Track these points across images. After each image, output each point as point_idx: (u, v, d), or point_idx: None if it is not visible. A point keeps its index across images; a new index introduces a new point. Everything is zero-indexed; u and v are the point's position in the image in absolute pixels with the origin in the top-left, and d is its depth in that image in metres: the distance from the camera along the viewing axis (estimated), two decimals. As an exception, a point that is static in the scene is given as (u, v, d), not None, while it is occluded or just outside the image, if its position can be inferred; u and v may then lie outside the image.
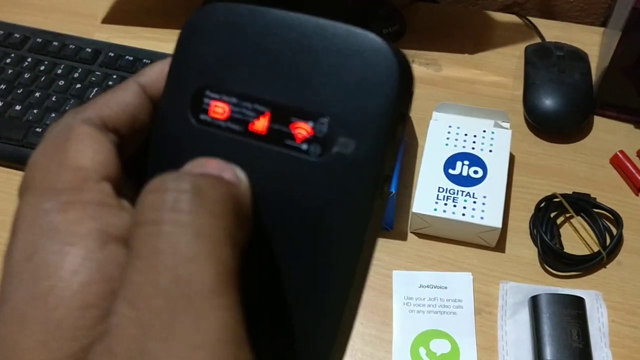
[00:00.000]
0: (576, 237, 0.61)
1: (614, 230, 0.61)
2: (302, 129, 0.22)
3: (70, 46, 0.75)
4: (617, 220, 0.61)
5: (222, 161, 0.21)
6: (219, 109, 0.23)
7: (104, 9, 0.85)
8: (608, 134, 0.70)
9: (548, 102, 0.68)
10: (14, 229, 0.20)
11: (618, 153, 0.66)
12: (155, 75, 0.25)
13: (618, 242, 0.60)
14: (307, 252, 0.22)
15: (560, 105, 0.68)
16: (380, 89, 0.21)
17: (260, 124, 0.22)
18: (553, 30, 0.80)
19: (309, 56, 0.22)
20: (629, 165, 0.65)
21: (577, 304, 0.54)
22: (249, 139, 0.22)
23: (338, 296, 0.21)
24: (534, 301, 0.55)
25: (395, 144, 0.22)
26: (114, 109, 0.23)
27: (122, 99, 0.24)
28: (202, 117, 0.23)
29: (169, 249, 0.17)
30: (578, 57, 0.73)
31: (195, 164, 0.21)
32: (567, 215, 0.63)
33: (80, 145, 0.21)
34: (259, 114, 0.22)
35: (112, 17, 0.84)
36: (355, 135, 0.21)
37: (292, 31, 0.23)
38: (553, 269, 0.59)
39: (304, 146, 0.22)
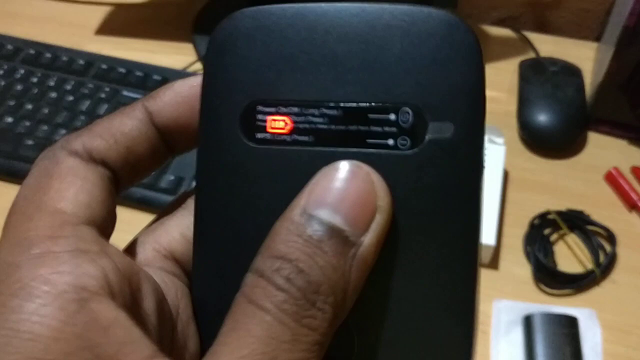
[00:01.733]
0: (570, 255, 0.61)
1: (608, 248, 0.61)
2: (383, 124, 0.20)
3: (63, 58, 0.75)
4: (611, 238, 0.61)
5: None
6: (279, 123, 0.21)
7: (96, 20, 0.85)
8: (602, 149, 0.70)
9: (542, 118, 0.68)
10: None
11: (612, 170, 0.66)
12: (169, 99, 0.22)
13: (612, 259, 0.60)
14: (428, 252, 0.20)
15: (554, 121, 0.68)
16: (465, 64, 0.20)
17: (334, 129, 0.20)
18: (547, 45, 0.80)
19: (368, 45, 0.20)
20: (622, 182, 0.65)
21: (570, 323, 0.54)
22: (324, 148, 0.20)
23: (469, 286, 0.20)
24: (528, 321, 0.55)
25: (484, 119, 0.20)
26: (106, 138, 0.21)
27: (119, 127, 0.22)
28: (260, 135, 0.21)
29: (264, 338, 0.17)
30: (572, 72, 0.73)
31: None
32: (561, 232, 0.62)
33: (63, 183, 0.20)
34: (329, 118, 0.20)
35: (105, 29, 0.84)
36: (451, 116, 0.20)
37: (343, 22, 0.21)
38: (547, 287, 0.59)
39: (390, 141, 0.20)
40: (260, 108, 0.21)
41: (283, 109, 0.21)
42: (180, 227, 0.22)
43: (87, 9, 0.87)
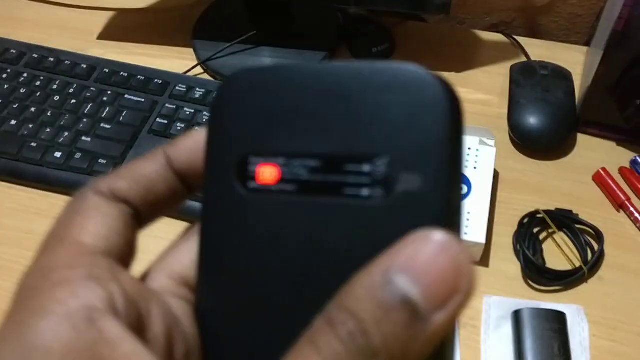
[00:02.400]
0: (559, 253, 0.63)
1: (596, 246, 0.62)
2: (358, 174, 0.21)
3: (66, 62, 0.76)
4: (599, 236, 0.62)
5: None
6: (267, 173, 0.22)
7: (99, 25, 0.86)
8: (591, 151, 0.71)
9: (532, 121, 0.70)
10: (11, 306, 0.20)
11: (600, 170, 0.68)
12: (186, 147, 0.25)
13: (599, 257, 0.61)
14: None
15: (544, 123, 0.70)
16: (434, 118, 0.20)
17: (314, 179, 0.22)
18: (538, 49, 0.82)
19: (349, 101, 0.22)
20: (610, 182, 0.66)
21: (559, 318, 0.55)
22: (306, 198, 0.22)
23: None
24: (517, 316, 0.56)
25: (459, 170, 0.21)
26: (128, 180, 0.24)
27: (140, 171, 0.24)
28: (251, 185, 0.23)
29: None
30: (562, 76, 0.74)
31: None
32: (550, 231, 0.64)
33: (86, 218, 0.22)
34: (310, 169, 0.22)
35: (108, 34, 0.86)
36: (418, 168, 0.20)
37: (326, 81, 0.22)
38: (536, 284, 0.60)
39: (365, 191, 0.21)
40: (252, 158, 0.23)
41: (271, 159, 0.22)
42: (192, 255, 0.24)
43: (90, 14, 0.89)
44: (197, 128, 0.26)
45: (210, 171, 0.24)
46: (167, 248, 0.25)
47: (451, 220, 0.20)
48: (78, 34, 0.85)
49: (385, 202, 0.20)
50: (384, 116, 0.21)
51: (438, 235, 0.19)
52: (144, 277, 0.24)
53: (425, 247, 0.18)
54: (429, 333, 0.18)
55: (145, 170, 0.24)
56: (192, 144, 0.25)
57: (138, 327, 0.20)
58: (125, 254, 0.23)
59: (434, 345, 0.18)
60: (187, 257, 0.24)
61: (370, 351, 0.17)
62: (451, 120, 0.21)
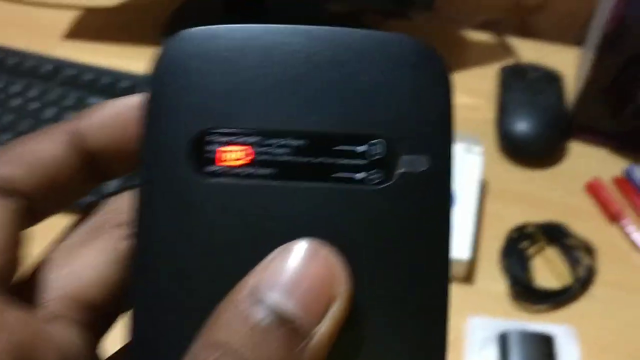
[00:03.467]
0: (548, 269, 0.59)
1: (588, 262, 0.59)
2: (352, 156, 0.19)
3: (29, 63, 0.73)
4: (591, 252, 0.59)
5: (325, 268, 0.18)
6: (234, 154, 0.19)
7: (64, 24, 0.83)
8: (583, 158, 0.68)
9: (522, 127, 0.67)
10: None
11: (593, 180, 0.64)
12: (99, 121, 0.20)
13: (591, 274, 0.58)
14: (397, 294, 0.19)
15: (534, 129, 0.66)
16: (436, 94, 0.19)
17: (297, 161, 0.19)
18: (529, 51, 0.79)
19: (335, 69, 0.19)
20: (603, 193, 0.63)
21: (547, 342, 0.52)
22: (286, 183, 0.19)
23: (441, 319, 0.19)
24: (503, 339, 0.53)
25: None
26: (16, 164, 0.19)
27: (35, 152, 0.19)
28: (211, 168, 0.19)
29: None
30: (554, 79, 0.71)
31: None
32: (539, 244, 0.61)
33: None
34: (291, 148, 0.19)
35: (73, 33, 0.82)
36: (425, 149, 0.19)
37: (304, 45, 0.20)
38: (524, 303, 0.57)
39: (359, 175, 0.19)
40: (213, 137, 0.19)
41: (239, 138, 0.19)
42: (95, 267, 0.20)
43: (56, 13, 0.85)
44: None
45: (151, 154, 0.19)
46: (52, 249, 0.20)
47: (453, 202, 0.19)
48: (42, 34, 0.82)
49: (383, 187, 0.19)
50: (380, 89, 0.19)
51: (302, 244, 0.18)
52: (29, 297, 0.19)
53: (291, 257, 0.17)
54: (314, 348, 0.17)
55: (42, 151, 0.20)
56: (107, 118, 0.20)
57: None
58: (9, 264, 0.18)
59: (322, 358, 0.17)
60: (90, 271, 0.20)
61: None
62: (451, 97, 0.20)
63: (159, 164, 0.19)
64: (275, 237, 0.18)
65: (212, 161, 0.19)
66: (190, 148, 0.19)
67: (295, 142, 0.19)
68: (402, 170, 0.19)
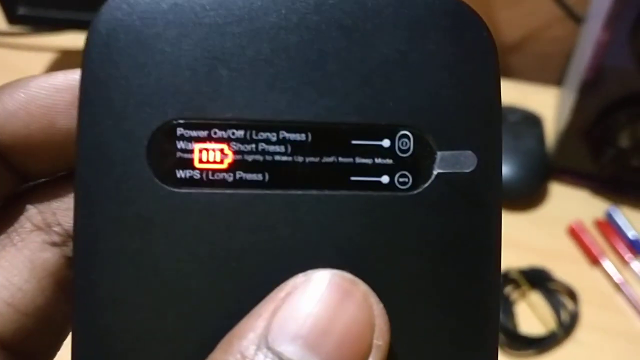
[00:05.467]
0: (532, 314, 0.59)
1: (571, 306, 0.58)
2: (374, 154, 0.14)
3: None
4: (574, 295, 0.59)
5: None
6: (213, 154, 0.14)
7: (42, 67, 0.81)
8: (565, 200, 0.68)
9: (503, 171, 0.66)
10: None
11: (574, 224, 0.64)
12: (16, 107, 0.15)
13: (575, 318, 0.58)
14: (438, 321, 0.15)
15: (514, 173, 0.66)
16: (482, 72, 0.15)
17: (300, 162, 0.14)
18: (508, 91, 0.77)
19: (345, 39, 0.14)
20: (584, 237, 0.63)
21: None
22: (285, 192, 0.14)
23: (493, 325, 0.15)
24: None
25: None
26: None
27: None
28: (182, 174, 0.14)
29: None
30: (533, 121, 0.71)
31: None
32: (523, 289, 0.60)
33: None
34: (292, 145, 0.14)
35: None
36: (470, 143, 0.15)
37: (300, 4, 0.14)
38: (509, 349, 0.56)
39: (385, 178, 0.15)
40: (181, 132, 0.14)
41: (219, 133, 0.14)
42: (2, 291, 0.15)
43: (32, 56, 0.84)
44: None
45: (92, 155, 0.14)
46: None
47: (501, 213, 0.14)
48: (19, 77, 0.80)
49: (418, 192, 0.14)
50: (406, 65, 0.14)
51: (324, 275, 0.13)
52: None
53: (313, 293, 0.13)
54: None
55: None
56: (27, 104, 0.15)
57: None
58: None
59: None
60: None
61: None
62: (499, 76, 0.15)
63: (104, 166, 0.14)
64: (278, 266, 0.14)
65: (181, 164, 0.14)
66: (150, 146, 0.14)
67: (294, 137, 0.14)
68: (440, 170, 0.15)
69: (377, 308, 0.13)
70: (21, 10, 0.66)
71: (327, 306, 0.13)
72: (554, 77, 0.85)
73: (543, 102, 0.76)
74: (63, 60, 0.83)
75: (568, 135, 0.65)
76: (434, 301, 0.15)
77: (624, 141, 0.62)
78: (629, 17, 0.52)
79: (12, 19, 0.67)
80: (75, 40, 0.82)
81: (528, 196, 0.67)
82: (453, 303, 0.15)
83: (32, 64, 0.82)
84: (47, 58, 0.83)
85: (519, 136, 0.68)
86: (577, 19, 0.74)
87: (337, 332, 0.12)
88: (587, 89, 0.59)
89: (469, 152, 0.15)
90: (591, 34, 0.59)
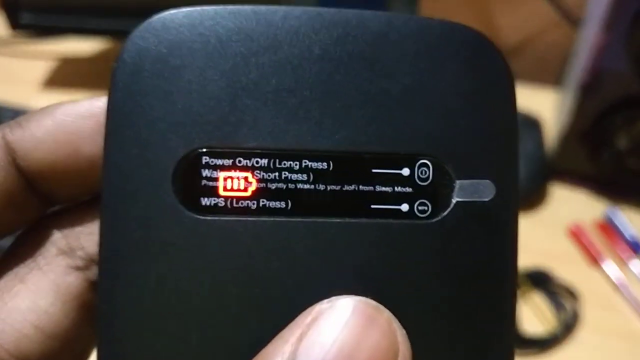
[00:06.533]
0: (534, 314, 0.59)
1: (572, 306, 0.59)
2: (394, 182, 0.15)
3: (6, 115, 0.72)
4: (575, 296, 0.59)
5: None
6: (237, 182, 0.14)
7: (42, 75, 0.82)
8: (565, 202, 0.69)
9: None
10: None
11: (573, 226, 0.65)
12: (43, 134, 0.16)
13: (575, 319, 0.58)
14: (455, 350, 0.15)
15: (514, 175, 0.67)
16: (500, 100, 0.15)
17: (322, 190, 0.14)
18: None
19: (365, 68, 0.14)
20: (584, 239, 0.64)
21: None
22: (307, 219, 0.14)
23: (509, 349, 0.15)
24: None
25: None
26: None
27: None
28: (207, 201, 0.14)
29: None
30: (532, 124, 0.72)
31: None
32: (524, 289, 0.61)
33: None
34: (314, 174, 0.14)
35: (52, 83, 0.81)
36: (489, 172, 0.15)
37: (322, 34, 0.14)
38: (510, 350, 0.57)
39: (404, 206, 0.15)
40: (207, 160, 0.14)
41: (243, 162, 0.14)
42: (33, 310, 0.15)
43: (32, 64, 0.84)
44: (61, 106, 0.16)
45: (119, 182, 0.15)
46: None
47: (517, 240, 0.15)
48: (19, 85, 0.81)
49: (437, 220, 0.15)
50: (425, 94, 0.15)
51: (348, 302, 0.13)
52: None
53: (338, 320, 0.13)
54: None
55: None
56: (54, 130, 0.16)
57: None
58: None
59: None
60: (25, 316, 0.15)
61: None
62: (516, 103, 0.15)
63: (130, 193, 0.14)
64: (300, 293, 0.14)
65: (206, 192, 0.14)
66: (175, 174, 0.14)
67: (316, 166, 0.15)
68: (459, 199, 0.15)
69: (400, 335, 0.14)
70: (24, 18, 0.67)
71: (353, 332, 0.13)
72: (553, 79, 0.86)
73: (542, 105, 0.77)
74: (65, 67, 0.83)
75: (567, 137, 0.66)
76: (453, 327, 0.15)
77: (622, 143, 0.62)
78: (625, 21, 0.53)
79: (15, 25, 0.68)
80: (77, 47, 0.83)
81: (528, 198, 0.68)
82: (471, 328, 0.15)
83: (34, 70, 0.83)
84: (49, 65, 0.83)
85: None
86: (574, 22, 0.75)
87: (363, 357, 0.13)
88: (585, 92, 0.60)
89: (488, 182, 0.15)
90: (588, 37, 0.60)
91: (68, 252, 0.16)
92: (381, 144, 0.15)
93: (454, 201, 0.15)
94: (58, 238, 0.16)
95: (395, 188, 0.15)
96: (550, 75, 0.85)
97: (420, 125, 0.15)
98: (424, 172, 0.15)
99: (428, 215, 0.15)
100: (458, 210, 0.15)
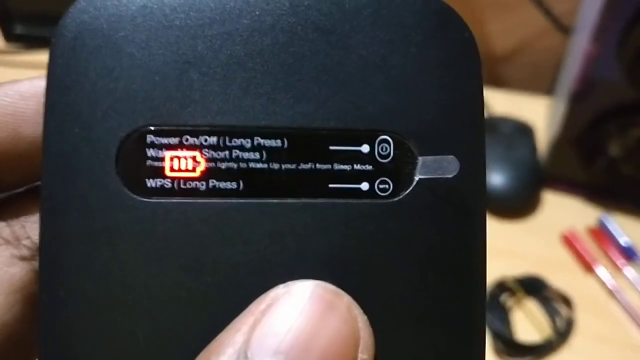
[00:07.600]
0: (528, 321, 0.59)
1: (567, 313, 0.59)
2: (353, 159, 0.14)
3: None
4: (568, 303, 0.60)
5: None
6: (185, 162, 0.13)
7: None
8: (558, 209, 0.69)
9: (496, 181, 0.67)
10: None
11: (567, 233, 0.65)
12: None
13: (569, 326, 0.59)
14: (420, 340, 0.14)
15: (507, 183, 0.67)
16: (465, 72, 0.14)
17: (276, 169, 0.13)
18: (500, 101, 0.80)
19: (319, 38, 0.13)
20: (577, 245, 0.64)
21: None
22: (261, 200, 0.13)
23: (480, 334, 0.15)
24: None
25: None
26: None
27: None
28: (152, 182, 0.13)
29: None
30: (525, 131, 0.72)
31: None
32: (518, 296, 0.61)
33: None
34: (267, 152, 0.13)
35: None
36: (452, 147, 0.14)
37: (273, 3, 0.13)
38: (506, 357, 0.57)
39: (364, 185, 0.14)
40: (152, 139, 0.13)
41: (191, 140, 0.13)
42: None
43: (25, 74, 0.83)
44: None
45: (59, 164, 0.13)
46: None
47: (485, 221, 0.14)
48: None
49: (399, 200, 0.14)
50: (384, 66, 0.14)
51: (306, 286, 0.12)
52: None
53: (294, 305, 0.12)
54: None
55: None
56: None
57: None
58: None
59: None
60: None
61: None
62: (481, 77, 0.14)
63: (70, 176, 0.13)
64: (256, 278, 0.13)
65: (152, 173, 0.14)
66: (119, 155, 0.13)
67: (269, 143, 0.14)
68: (422, 176, 0.14)
69: (362, 320, 0.13)
70: (18, 29, 0.67)
71: (310, 319, 0.12)
72: (545, 86, 0.86)
73: (534, 112, 0.77)
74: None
75: (560, 144, 0.66)
76: (419, 311, 0.14)
77: (614, 150, 0.63)
78: (615, 30, 0.53)
79: (9, 37, 0.68)
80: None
81: (522, 205, 0.68)
82: (438, 313, 0.14)
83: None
84: (42, 75, 0.83)
85: (511, 146, 0.69)
86: (565, 30, 0.75)
87: (320, 346, 0.12)
88: (577, 100, 0.60)
89: (452, 157, 0.14)
90: (579, 45, 0.60)
91: (12, 241, 0.15)
92: (339, 120, 0.14)
93: (416, 179, 0.14)
94: (1, 227, 0.15)
95: (355, 166, 0.14)
96: (542, 82, 0.85)
97: (380, 100, 0.14)
98: (384, 148, 0.14)
99: (389, 194, 0.14)
100: (421, 188, 0.14)
